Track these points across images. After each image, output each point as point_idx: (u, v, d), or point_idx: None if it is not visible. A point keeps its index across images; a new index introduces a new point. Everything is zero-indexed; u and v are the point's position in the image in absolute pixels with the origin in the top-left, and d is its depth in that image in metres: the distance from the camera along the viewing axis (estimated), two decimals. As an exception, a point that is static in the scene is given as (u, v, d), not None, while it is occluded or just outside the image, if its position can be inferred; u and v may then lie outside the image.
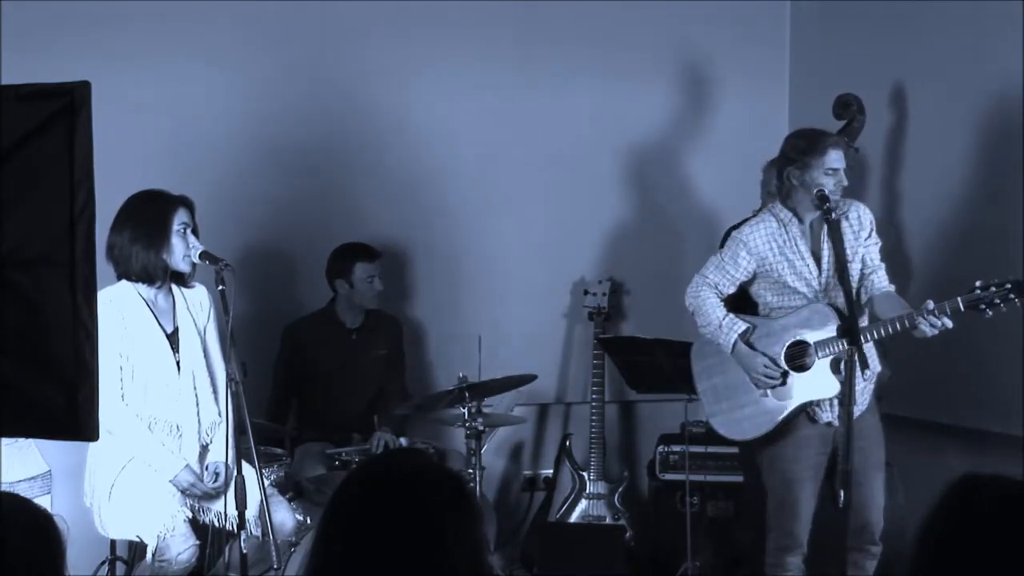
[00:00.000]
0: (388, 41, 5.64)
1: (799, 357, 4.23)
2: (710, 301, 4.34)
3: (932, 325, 3.97)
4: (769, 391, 4.27)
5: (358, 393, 5.43)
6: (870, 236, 4.31)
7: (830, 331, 4.17)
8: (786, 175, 4.26)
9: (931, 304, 3.97)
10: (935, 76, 5.17)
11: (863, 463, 4.27)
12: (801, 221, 4.28)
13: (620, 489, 5.72)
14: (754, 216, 5.20)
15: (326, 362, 5.40)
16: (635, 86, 5.89)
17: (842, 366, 4.07)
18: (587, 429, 5.72)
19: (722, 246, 5.26)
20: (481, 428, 4.76)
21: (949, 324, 3.98)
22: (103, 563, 4.46)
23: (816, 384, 4.21)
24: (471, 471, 4.74)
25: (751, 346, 4.29)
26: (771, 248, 4.28)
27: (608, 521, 5.64)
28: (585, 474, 5.71)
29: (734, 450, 5.32)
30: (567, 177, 5.91)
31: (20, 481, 4.52)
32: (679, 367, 4.78)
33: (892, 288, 4.31)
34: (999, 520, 1.89)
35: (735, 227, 5.27)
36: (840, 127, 5.03)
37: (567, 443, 5.84)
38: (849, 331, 3.95)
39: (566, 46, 5.84)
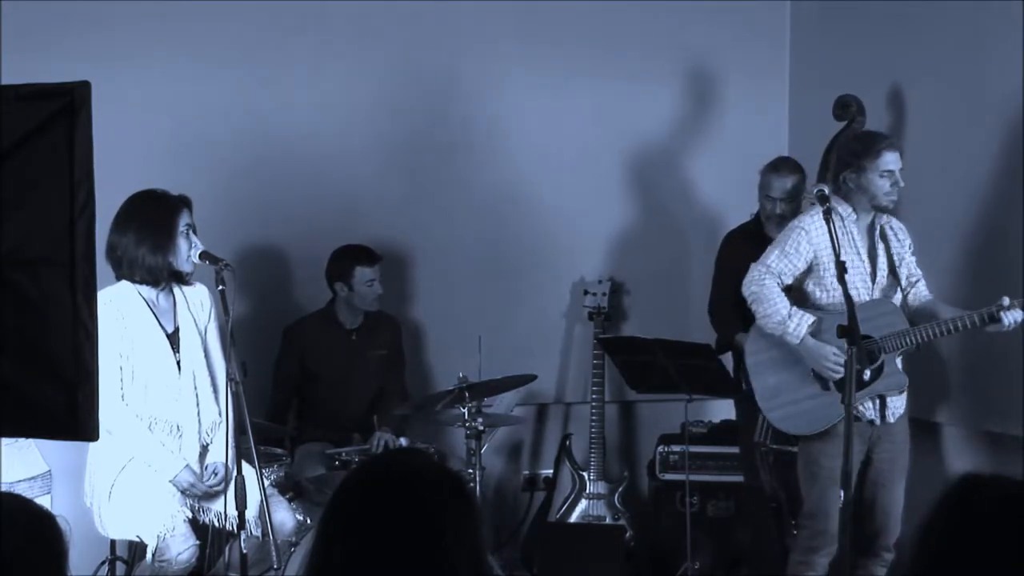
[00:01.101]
0: (386, 42, 5.63)
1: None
2: (776, 291, 4.27)
3: (1015, 320, 4.03)
4: (832, 384, 4.25)
5: (358, 393, 5.43)
6: (909, 248, 4.38)
7: (897, 326, 4.19)
8: (842, 179, 4.28)
9: (1006, 301, 4.02)
10: (935, 76, 5.17)
11: (891, 467, 4.30)
12: (857, 221, 4.30)
13: (620, 489, 5.71)
14: (752, 219, 5.22)
15: (326, 362, 5.40)
16: (635, 86, 5.89)
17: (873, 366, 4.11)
18: (587, 429, 5.71)
19: (720, 252, 5.28)
20: (481, 428, 4.76)
21: (1019, 320, 4.06)
22: (103, 563, 4.47)
23: (882, 378, 4.20)
24: (471, 471, 4.74)
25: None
26: (827, 239, 4.19)
27: (608, 521, 5.63)
28: (585, 474, 5.70)
29: (734, 450, 5.33)
30: (567, 177, 5.90)
31: (20, 481, 4.52)
32: (679, 367, 4.78)
33: (932, 297, 4.40)
34: (999, 520, 1.89)
35: (732, 232, 5.30)
36: (840, 128, 5.03)
37: (567, 443, 5.84)
38: (849, 331, 3.94)
39: (566, 46, 5.84)
